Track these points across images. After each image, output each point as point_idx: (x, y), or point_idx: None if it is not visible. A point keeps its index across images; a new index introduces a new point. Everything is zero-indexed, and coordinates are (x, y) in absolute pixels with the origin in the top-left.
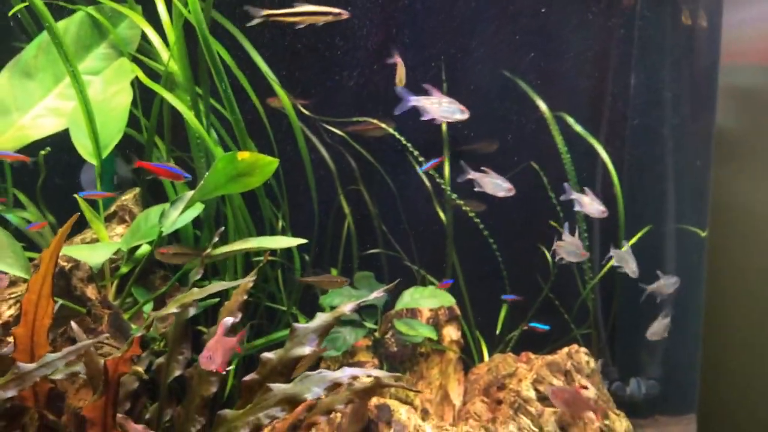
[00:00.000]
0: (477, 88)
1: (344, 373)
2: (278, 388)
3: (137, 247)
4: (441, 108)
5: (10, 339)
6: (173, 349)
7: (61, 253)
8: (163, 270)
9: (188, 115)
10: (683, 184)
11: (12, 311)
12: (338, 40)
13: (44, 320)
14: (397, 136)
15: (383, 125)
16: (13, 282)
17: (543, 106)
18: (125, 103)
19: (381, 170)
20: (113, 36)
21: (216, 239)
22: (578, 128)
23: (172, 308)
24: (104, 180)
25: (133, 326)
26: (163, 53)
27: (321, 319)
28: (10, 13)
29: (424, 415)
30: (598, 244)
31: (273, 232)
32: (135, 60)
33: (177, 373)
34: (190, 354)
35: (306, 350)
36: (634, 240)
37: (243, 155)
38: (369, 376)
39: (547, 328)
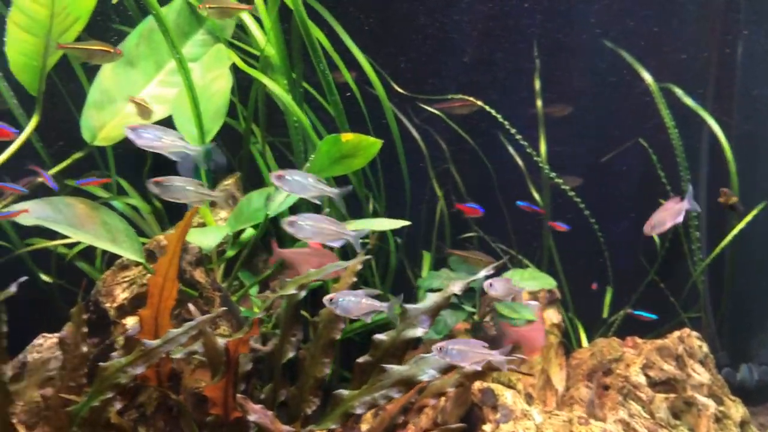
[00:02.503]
0: (579, 60)
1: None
2: (394, 369)
3: (241, 231)
4: None
5: (125, 321)
6: (286, 330)
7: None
8: (266, 253)
9: (286, 98)
10: None
11: (126, 294)
12: (428, 17)
13: (168, 302)
14: (494, 113)
15: (473, 100)
16: (125, 266)
17: (648, 77)
18: (225, 89)
19: (477, 149)
20: (210, 22)
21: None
22: (689, 101)
23: (291, 289)
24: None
25: (242, 308)
26: (260, 37)
27: (431, 300)
28: (115, 0)
29: (528, 399)
30: (706, 224)
31: (364, 215)
32: (230, 45)
33: (290, 354)
34: (301, 336)
35: (418, 332)
36: (748, 218)
37: (347, 137)
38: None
39: (654, 317)
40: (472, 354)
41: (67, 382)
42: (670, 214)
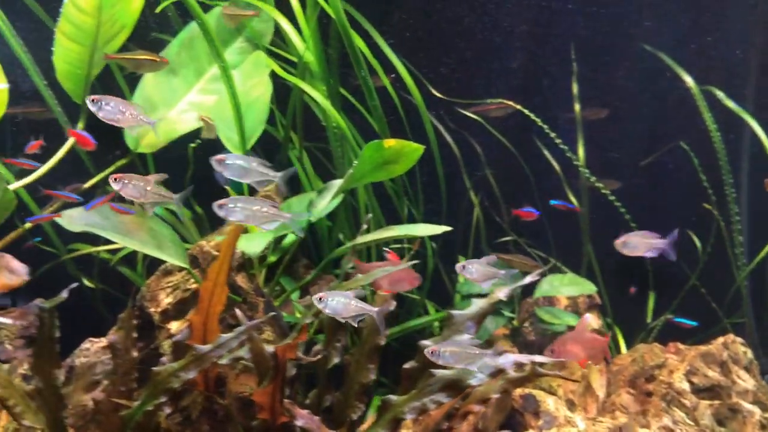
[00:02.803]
0: (616, 64)
1: (507, 360)
2: (441, 374)
3: (282, 237)
4: None
5: (169, 325)
6: (331, 336)
7: (213, 243)
8: (306, 258)
9: (326, 104)
10: None
11: (170, 299)
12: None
13: (217, 307)
14: (533, 116)
15: (510, 103)
16: (169, 271)
17: (689, 80)
18: (265, 96)
19: (516, 154)
20: (248, 30)
21: (365, 226)
22: (730, 103)
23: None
24: None
25: (297, 314)
26: (298, 44)
27: (477, 305)
28: (158, 9)
29: (570, 406)
30: (748, 229)
31: (399, 221)
32: (267, 52)
33: (335, 360)
34: (346, 341)
35: (465, 338)
36: None
37: (389, 143)
38: (527, 364)
39: (694, 324)
40: (465, 355)
41: (118, 386)
42: (645, 246)
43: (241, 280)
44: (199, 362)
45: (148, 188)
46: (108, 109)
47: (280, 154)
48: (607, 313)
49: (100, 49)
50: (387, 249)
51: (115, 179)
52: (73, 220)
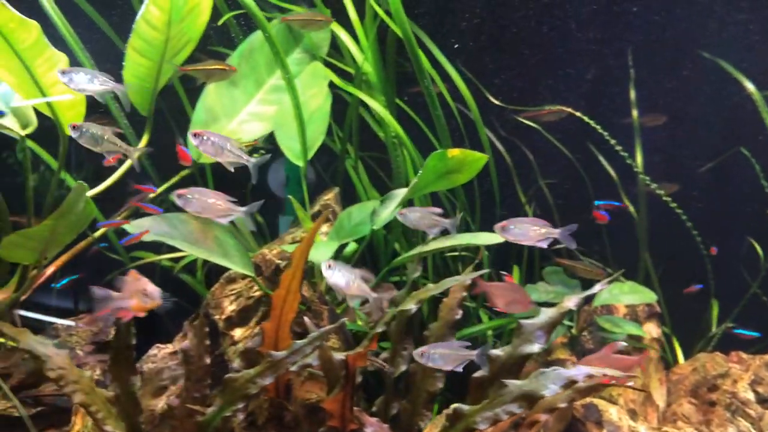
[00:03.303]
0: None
1: (579, 371)
2: (514, 384)
3: (344, 246)
4: None
5: (233, 332)
6: (397, 344)
7: (275, 251)
8: (365, 266)
9: (386, 114)
10: None
11: (233, 306)
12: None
13: (289, 315)
14: (593, 123)
15: (563, 108)
16: (232, 279)
17: (750, 86)
18: (325, 106)
19: (572, 159)
20: (306, 41)
21: (435, 234)
22: None
23: (410, 304)
24: (292, 180)
25: (359, 323)
26: (357, 55)
27: (547, 315)
28: (220, 22)
29: (632, 415)
30: None
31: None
32: (324, 63)
33: (402, 368)
34: (413, 349)
35: (535, 348)
36: None
37: (453, 152)
38: (595, 375)
39: (756, 335)
40: (454, 356)
41: (191, 392)
42: (534, 234)
43: (304, 288)
44: (275, 368)
45: (215, 201)
46: (209, 143)
47: (336, 164)
48: (665, 321)
49: (167, 62)
50: (504, 273)
51: (179, 195)
52: (143, 228)
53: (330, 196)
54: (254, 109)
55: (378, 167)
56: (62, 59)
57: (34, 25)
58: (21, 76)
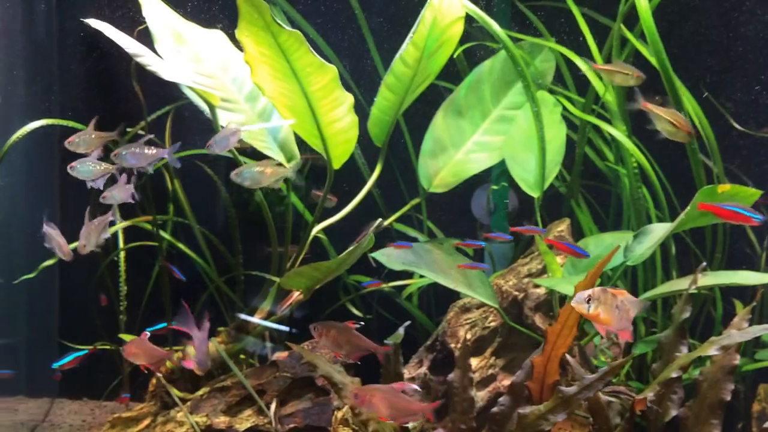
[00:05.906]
0: None
1: None
2: None
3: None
4: None
5: (470, 362)
6: (665, 388)
7: (511, 282)
8: None
9: (629, 144)
10: None
11: (468, 335)
12: None
13: (560, 350)
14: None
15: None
16: (467, 308)
17: None
18: (560, 136)
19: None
20: (532, 70)
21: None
22: None
23: (709, 350)
24: (500, 208)
25: (602, 358)
26: (598, 84)
27: None
28: (457, 54)
29: None
30: None
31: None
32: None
33: (672, 413)
34: (683, 393)
35: None
36: None
37: (723, 188)
38: None
39: None
40: None
41: (458, 424)
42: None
43: (539, 319)
44: (567, 404)
45: None
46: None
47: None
48: None
49: (408, 96)
50: None
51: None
52: (392, 258)
53: (563, 228)
54: (480, 139)
55: (594, 199)
56: (348, 100)
57: (330, 69)
58: (303, 115)
